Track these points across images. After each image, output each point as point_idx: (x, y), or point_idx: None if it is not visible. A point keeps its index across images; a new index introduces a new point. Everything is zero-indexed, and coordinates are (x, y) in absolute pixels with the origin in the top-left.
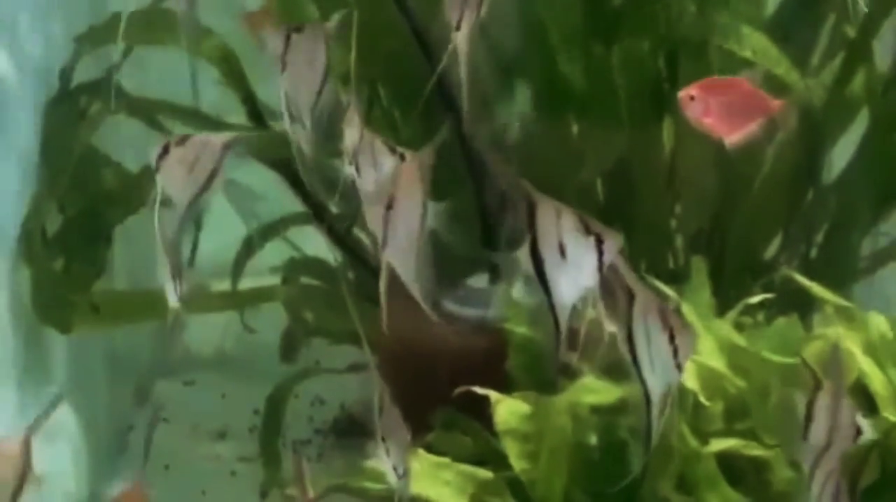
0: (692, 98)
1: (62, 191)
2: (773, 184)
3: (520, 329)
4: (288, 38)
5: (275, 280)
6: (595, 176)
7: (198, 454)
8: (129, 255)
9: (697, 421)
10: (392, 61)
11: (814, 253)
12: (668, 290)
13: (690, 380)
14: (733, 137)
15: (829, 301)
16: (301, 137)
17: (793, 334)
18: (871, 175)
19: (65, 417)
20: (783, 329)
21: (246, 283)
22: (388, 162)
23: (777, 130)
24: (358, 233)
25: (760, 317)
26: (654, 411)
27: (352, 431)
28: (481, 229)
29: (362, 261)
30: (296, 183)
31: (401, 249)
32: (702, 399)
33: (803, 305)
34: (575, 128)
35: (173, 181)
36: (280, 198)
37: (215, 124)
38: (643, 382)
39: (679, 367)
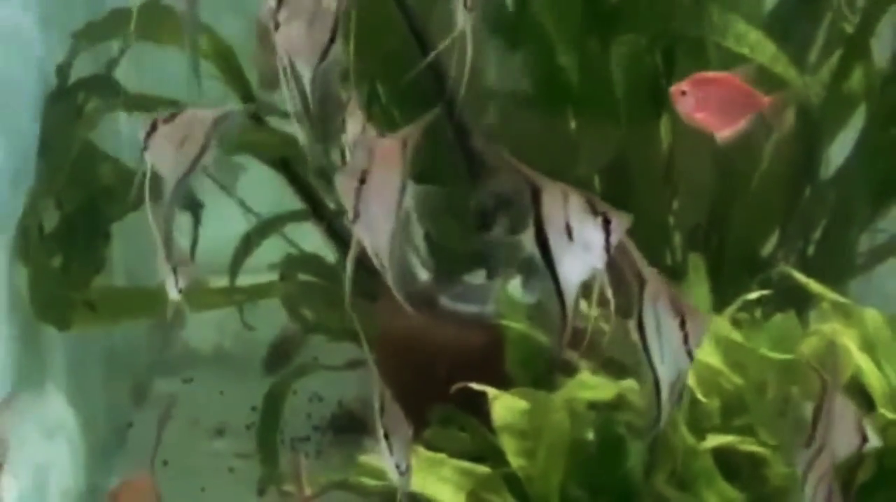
0: (684, 93)
1: (60, 188)
2: (770, 180)
3: (517, 325)
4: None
5: (273, 277)
6: (592, 171)
7: (196, 451)
8: (128, 252)
9: (694, 417)
10: (391, 60)
11: (811, 249)
12: None
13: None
14: (724, 133)
15: (825, 297)
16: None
17: (790, 330)
18: (869, 171)
19: (63, 414)
20: (780, 325)
21: (244, 281)
22: None
23: (773, 126)
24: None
25: (758, 313)
26: (664, 399)
27: (350, 428)
28: (479, 226)
29: (360, 258)
30: (294, 180)
31: (372, 226)
32: (699, 395)
33: (801, 302)
34: (573, 124)
35: (162, 158)
36: (278, 196)
37: None
38: (653, 370)
39: (690, 354)
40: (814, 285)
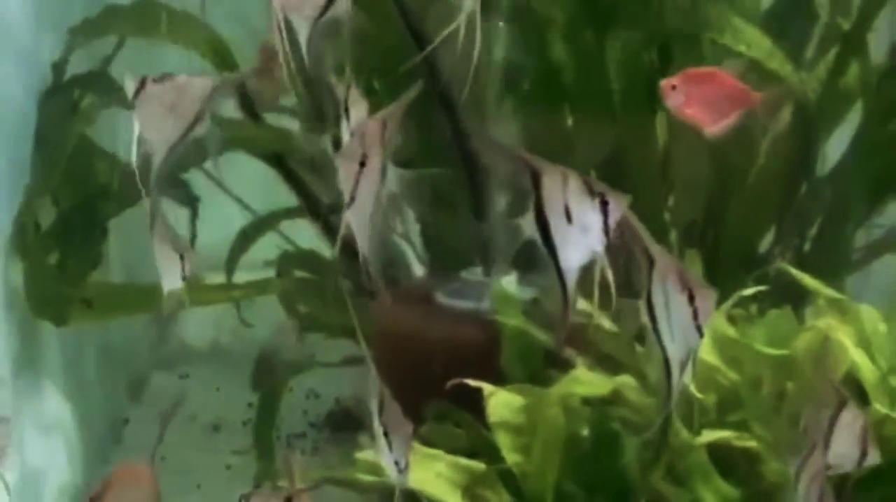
0: (674, 88)
1: (56, 184)
2: (767, 176)
3: (513, 321)
4: None
5: (269, 274)
6: (588, 167)
7: (192, 447)
8: (125, 249)
9: (690, 413)
10: (387, 56)
11: (807, 245)
12: None
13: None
14: (714, 129)
15: (821, 293)
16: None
17: (785, 326)
18: (866, 167)
19: (59, 410)
20: (776, 321)
21: (240, 277)
22: None
23: (765, 123)
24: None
25: (753, 309)
26: (674, 378)
27: (346, 425)
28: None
29: (356, 254)
30: (289, 176)
31: (362, 211)
32: (694, 391)
33: (797, 298)
34: (569, 120)
35: (151, 121)
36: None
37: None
38: (662, 349)
39: (699, 329)
40: (810, 281)
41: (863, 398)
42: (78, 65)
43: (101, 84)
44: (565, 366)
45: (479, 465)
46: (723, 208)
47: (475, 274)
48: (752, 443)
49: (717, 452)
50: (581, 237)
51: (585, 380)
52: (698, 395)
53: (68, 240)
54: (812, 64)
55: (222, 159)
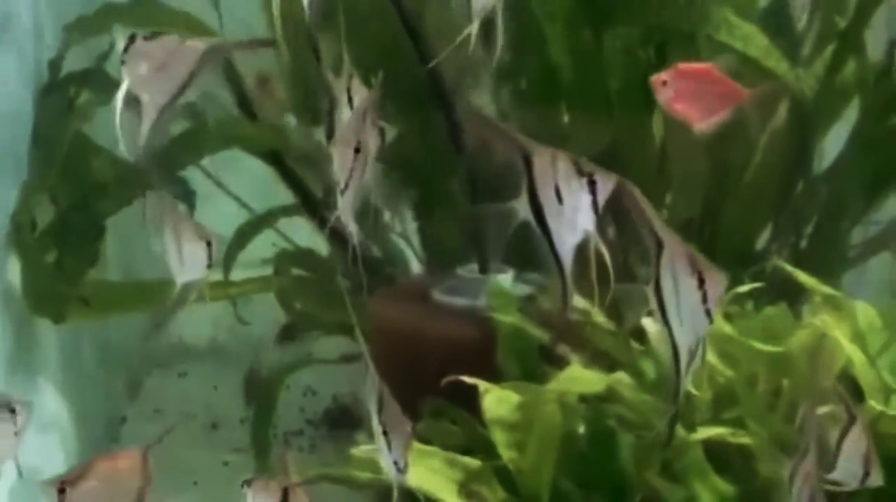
0: (664, 83)
1: (53, 182)
2: (763, 173)
3: (509, 318)
4: None
5: (266, 272)
6: None
7: (190, 444)
8: (122, 247)
9: (686, 410)
10: (384, 54)
11: (804, 243)
12: None
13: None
14: (702, 124)
15: (817, 290)
16: None
17: (781, 323)
18: (863, 164)
19: (56, 408)
20: (771, 318)
21: (238, 276)
22: None
23: (755, 120)
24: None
25: (749, 306)
26: (683, 364)
27: (343, 422)
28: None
29: (354, 246)
30: (286, 174)
31: (354, 196)
32: (690, 388)
33: (793, 295)
34: (565, 117)
35: (139, 77)
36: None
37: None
38: (671, 335)
39: (709, 313)
40: (805, 278)
41: (858, 395)
42: (77, 62)
43: (97, 81)
44: (561, 364)
45: (474, 462)
46: (719, 205)
47: (471, 271)
48: (747, 440)
49: (713, 449)
50: (573, 217)
51: (581, 378)
52: (694, 392)
53: (66, 238)
54: (809, 61)
55: (220, 157)
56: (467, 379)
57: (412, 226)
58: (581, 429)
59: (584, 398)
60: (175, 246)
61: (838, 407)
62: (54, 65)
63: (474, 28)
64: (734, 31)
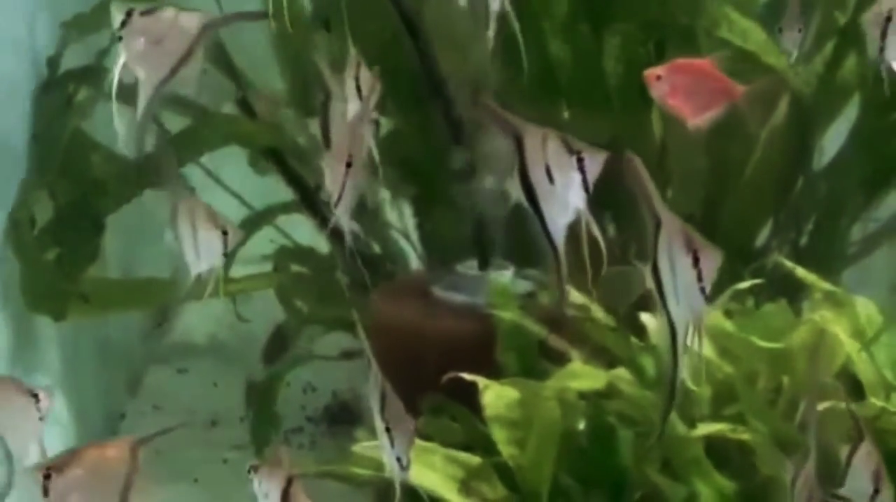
0: (658, 78)
1: (52, 179)
2: (764, 170)
3: (509, 315)
4: None
5: (265, 269)
6: None
7: (190, 441)
8: (122, 243)
9: (685, 406)
10: (384, 51)
11: (804, 239)
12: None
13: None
14: (696, 120)
15: (817, 287)
16: None
17: (781, 320)
18: (863, 161)
19: (56, 405)
20: (771, 315)
21: (238, 273)
22: None
23: (753, 116)
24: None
25: (750, 303)
26: (679, 344)
27: (344, 419)
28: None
29: (352, 249)
30: (285, 171)
31: (349, 207)
32: (689, 384)
33: (794, 291)
34: (565, 114)
35: (138, 54)
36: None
37: (206, 112)
38: (668, 315)
39: (703, 291)
40: (806, 274)
41: (858, 391)
42: (75, 59)
43: (96, 78)
44: (561, 360)
45: (474, 459)
46: (720, 202)
47: (471, 267)
48: (747, 437)
49: (713, 445)
50: (564, 195)
51: (581, 374)
52: (694, 388)
53: (65, 236)
54: (809, 57)
55: (219, 154)
56: (467, 376)
57: (412, 223)
58: (581, 426)
59: (583, 394)
60: (190, 234)
61: (838, 403)
62: (53, 62)
63: (491, 29)
64: (734, 26)
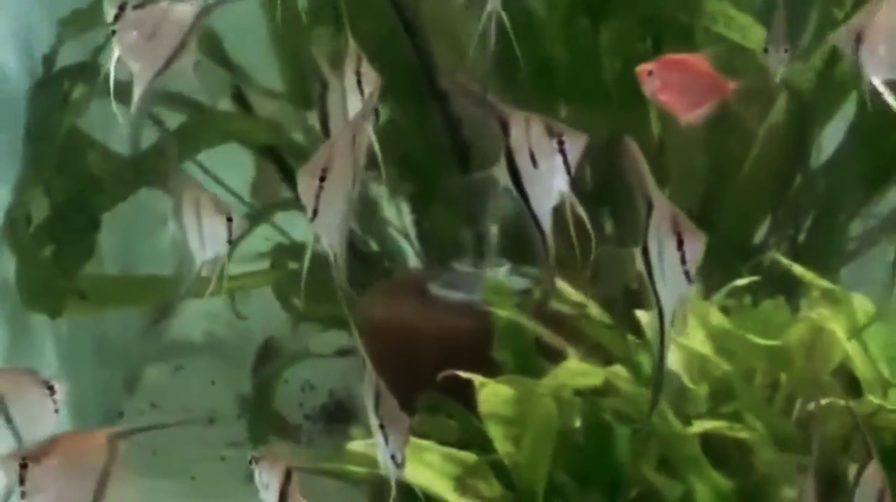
0: (650, 73)
1: (48, 176)
2: (761, 167)
3: (505, 312)
4: None
5: (263, 266)
6: (582, 157)
7: (187, 439)
8: (119, 241)
9: (682, 403)
10: (382, 48)
11: (802, 236)
12: None
13: (675, 363)
14: (687, 116)
15: (815, 284)
16: None
17: (778, 317)
18: (861, 158)
19: None
20: (769, 312)
21: (235, 270)
22: None
23: (745, 113)
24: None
25: (747, 300)
26: (666, 327)
27: (342, 417)
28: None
29: (350, 247)
30: (283, 168)
31: (330, 223)
32: (686, 381)
33: (792, 289)
34: (562, 110)
35: (132, 49)
36: None
37: (203, 109)
38: (656, 297)
39: (687, 275)
40: (801, 271)
41: (855, 389)
42: (71, 56)
43: (92, 75)
44: (557, 357)
45: (470, 456)
46: (718, 198)
47: (468, 265)
48: (744, 434)
49: (710, 443)
50: (548, 179)
51: (577, 371)
52: (691, 385)
53: (61, 233)
54: (807, 54)
55: (216, 151)
56: (463, 374)
57: (409, 220)
58: (577, 423)
59: (580, 392)
60: (194, 223)
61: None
62: (48, 59)
63: (482, 25)
64: (732, 22)
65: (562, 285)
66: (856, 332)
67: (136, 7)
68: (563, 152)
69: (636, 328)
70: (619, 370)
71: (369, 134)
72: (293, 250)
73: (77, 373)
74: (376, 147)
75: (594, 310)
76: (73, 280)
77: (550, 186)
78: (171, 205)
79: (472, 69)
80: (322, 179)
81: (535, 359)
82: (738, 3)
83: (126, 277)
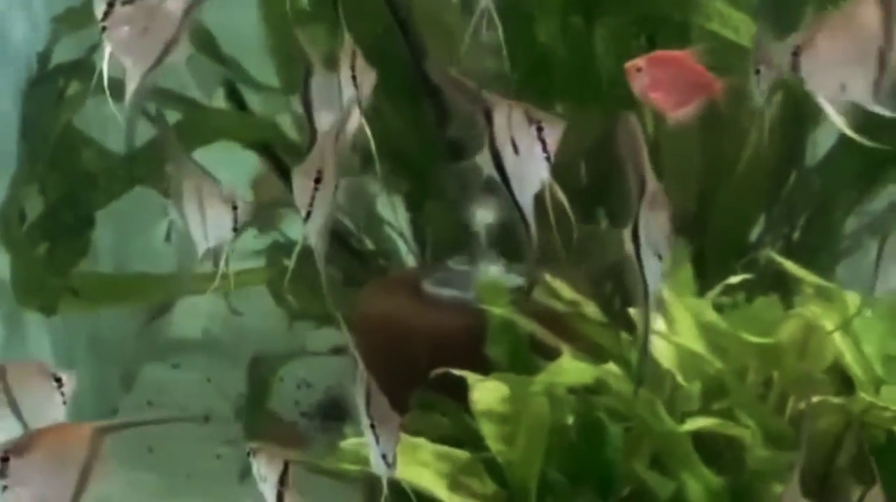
0: (639, 70)
1: (43, 173)
2: (757, 165)
3: (499, 310)
4: None
5: (258, 264)
6: (578, 155)
7: (183, 437)
8: (114, 238)
9: (674, 401)
10: (374, 45)
11: (797, 234)
12: None
13: (668, 361)
14: (675, 113)
15: (808, 281)
16: None
17: (771, 314)
18: (855, 156)
19: None
20: (762, 309)
21: (231, 268)
22: None
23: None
24: (341, 216)
25: (741, 297)
26: (651, 306)
27: (338, 414)
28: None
29: (346, 245)
30: (278, 165)
31: (318, 223)
32: (679, 379)
33: (786, 286)
34: (557, 107)
35: (123, 45)
36: None
37: (199, 107)
38: (643, 277)
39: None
40: (797, 269)
41: (848, 385)
42: (66, 54)
43: (86, 72)
44: (551, 355)
45: (463, 454)
46: (713, 196)
47: (462, 263)
48: (737, 432)
49: (702, 440)
50: (529, 165)
51: (570, 369)
52: (683, 383)
53: (55, 231)
54: None
55: (211, 149)
56: (456, 372)
57: (405, 218)
58: (570, 421)
59: (572, 390)
60: (197, 211)
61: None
62: (43, 56)
63: (473, 23)
64: (726, 20)
65: (557, 284)
66: (841, 324)
67: (126, 2)
68: (542, 139)
69: (629, 326)
70: (611, 368)
71: (366, 132)
72: (288, 248)
73: (71, 370)
74: (372, 146)
75: (588, 307)
76: (68, 278)
77: (532, 173)
78: (171, 193)
79: (466, 67)
80: (317, 181)
81: (528, 357)
82: (734, 1)
83: (120, 275)
